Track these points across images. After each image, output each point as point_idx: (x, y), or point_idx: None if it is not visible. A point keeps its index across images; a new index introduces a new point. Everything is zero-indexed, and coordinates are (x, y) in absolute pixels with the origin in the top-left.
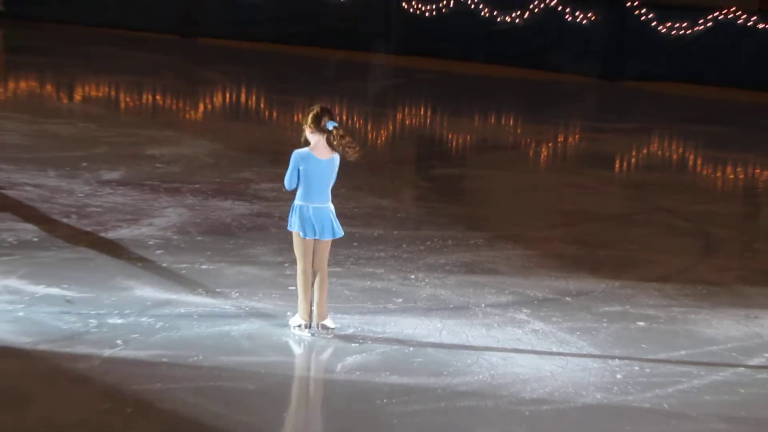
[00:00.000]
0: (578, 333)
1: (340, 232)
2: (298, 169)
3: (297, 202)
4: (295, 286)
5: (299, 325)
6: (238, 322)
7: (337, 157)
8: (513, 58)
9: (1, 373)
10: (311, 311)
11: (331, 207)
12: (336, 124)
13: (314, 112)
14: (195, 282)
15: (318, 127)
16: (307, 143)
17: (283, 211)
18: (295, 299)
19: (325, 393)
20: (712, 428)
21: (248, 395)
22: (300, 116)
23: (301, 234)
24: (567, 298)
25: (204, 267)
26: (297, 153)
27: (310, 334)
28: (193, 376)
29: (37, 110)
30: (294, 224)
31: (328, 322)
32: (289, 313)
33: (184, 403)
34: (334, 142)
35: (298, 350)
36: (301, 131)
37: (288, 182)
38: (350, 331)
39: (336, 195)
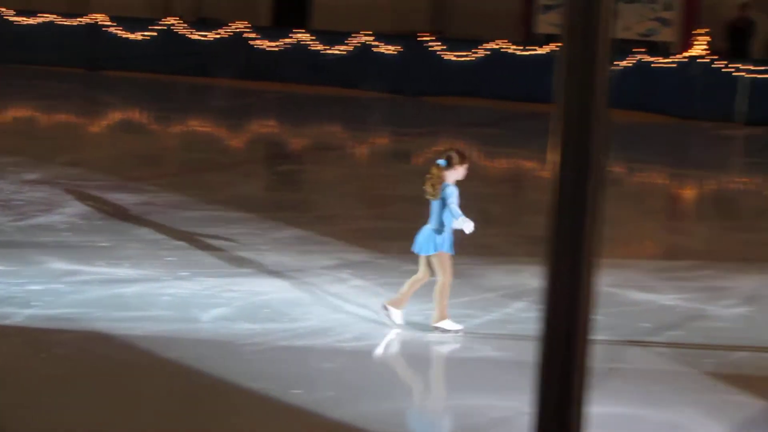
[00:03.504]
0: (388, 287)
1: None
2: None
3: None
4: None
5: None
6: (129, 286)
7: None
8: (337, 81)
9: None
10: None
11: (432, 227)
12: (437, 162)
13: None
14: (96, 256)
15: None
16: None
17: (164, 200)
18: (172, 266)
19: (196, 337)
20: (487, 355)
21: (136, 340)
22: (179, 128)
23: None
24: (379, 261)
25: (102, 244)
26: None
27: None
28: (94, 327)
29: None
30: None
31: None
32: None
33: (84, 348)
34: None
35: (174, 305)
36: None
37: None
38: (215, 289)
39: (201, 188)
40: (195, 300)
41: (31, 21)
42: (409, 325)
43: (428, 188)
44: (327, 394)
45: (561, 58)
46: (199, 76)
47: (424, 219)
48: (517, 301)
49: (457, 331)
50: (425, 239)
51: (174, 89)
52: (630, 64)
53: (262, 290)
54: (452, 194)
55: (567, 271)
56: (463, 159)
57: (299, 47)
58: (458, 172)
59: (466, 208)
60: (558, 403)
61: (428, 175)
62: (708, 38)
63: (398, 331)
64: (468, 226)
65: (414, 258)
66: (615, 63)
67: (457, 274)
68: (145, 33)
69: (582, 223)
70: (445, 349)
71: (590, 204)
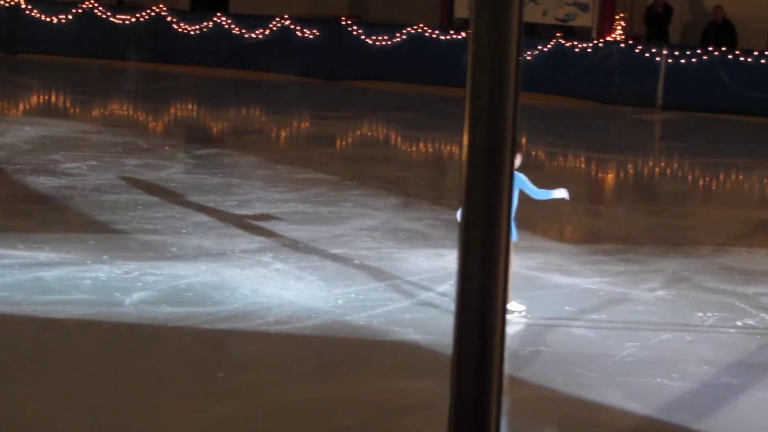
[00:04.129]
0: (310, 270)
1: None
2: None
3: None
4: None
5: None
6: (50, 269)
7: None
8: (256, 65)
9: None
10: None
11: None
12: None
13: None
14: (16, 239)
15: None
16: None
17: (85, 184)
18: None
19: (118, 320)
20: (410, 338)
21: (57, 323)
22: (99, 111)
23: None
24: (301, 244)
25: (23, 228)
26: None
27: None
28: (16, 311)
29: None
30: None
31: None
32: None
33: (4, 331)
34: None
35: (96, 289)
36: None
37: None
38: (136, 273)
39: (122, 171)
40: (117, 284)
41: None
42: (335, 308)
43: None
44: (249, 377)
45: (470, 41)
46: (118, 59)
47: (345, 202)
48: (440, 285)
49: (520, 312)
50: None
51: (93, 72)
52: (549, 49)
53: (185, 274)
54: (524, 179)
55: (481, 253)
56: (518, 148)
57: (218, 31)
58: (517, 160)
59: (389, 191)
60: (475, 385)
61: None
62: (625, 23)
63: (324, 316)
64: (563, 192)
65: (337, 241)
66: (537, 47)
67: (379, 258)
68: (64, 16)
69: (493, 206)
70: (367, 332)
71: (501, 187)
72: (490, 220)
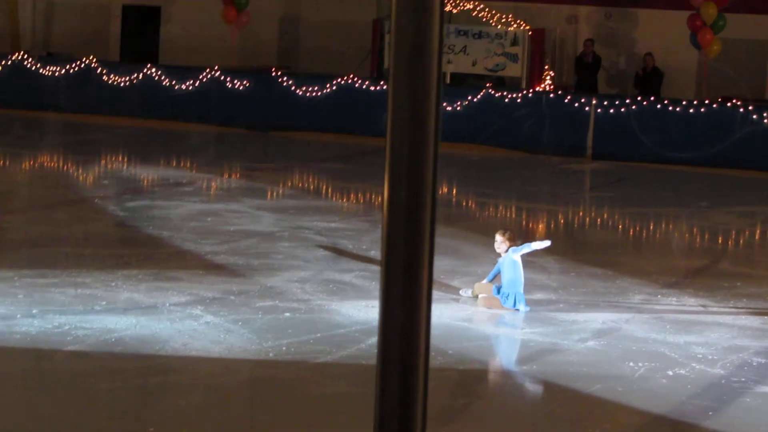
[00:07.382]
0: (240, 323)
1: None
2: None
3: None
4: None
5: None
6: None
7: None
8: (189, 116)
9: None
10: None
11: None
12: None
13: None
14: None
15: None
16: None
17: (14, 237)
18: None
19: (48, 375)
20: (341, 390)
21: None
22: (29, 164)
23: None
24: (231, 297)
25: None
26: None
27: None
28: None
29: None
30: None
31: None
32: None
33: None
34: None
35: (26, 343)
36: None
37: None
38: (66, 328)
39: (51, 224)
40: (47, 338)
41: None
42: (266, 361)
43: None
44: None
45: (388, 94)
46: (48, 111)
47: (276, 254)
48: (370, 337)
49: None
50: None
51: (22, 124)
52: (478, 99)
53: (115, 327)
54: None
55: (401, 309)
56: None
57: (148, 82)
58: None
59: (320, 243)
60: None
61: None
62: (554, 73)
63: (255, 370)
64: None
65: (268, 293)
66: (466, 98)
67: (310, 310)
68: None
69: (413, 262)
70: (299, 384)
71: (422, 242)
72: (410, 277)
